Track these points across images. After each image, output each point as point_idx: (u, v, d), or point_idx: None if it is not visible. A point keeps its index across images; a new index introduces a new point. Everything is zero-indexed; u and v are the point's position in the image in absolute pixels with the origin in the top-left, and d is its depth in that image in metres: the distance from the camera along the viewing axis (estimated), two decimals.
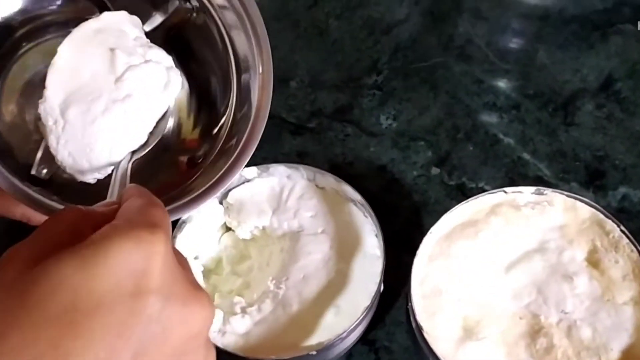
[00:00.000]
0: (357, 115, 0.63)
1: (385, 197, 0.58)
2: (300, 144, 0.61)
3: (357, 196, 0.51)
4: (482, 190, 0.58)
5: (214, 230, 0.52)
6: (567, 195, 0.50)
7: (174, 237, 0.49)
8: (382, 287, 0.48)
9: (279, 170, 0.52)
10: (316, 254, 0.50)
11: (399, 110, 0.63)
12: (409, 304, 0.48)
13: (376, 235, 0.50)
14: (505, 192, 0.51)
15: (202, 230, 0.51)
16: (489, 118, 0.62)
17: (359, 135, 0.62)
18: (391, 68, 0.66)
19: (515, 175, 0.59)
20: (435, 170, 0.60)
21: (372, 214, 0.50)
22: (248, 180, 0.52)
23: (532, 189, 0.51)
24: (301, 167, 0.52)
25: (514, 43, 0.67)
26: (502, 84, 0.64)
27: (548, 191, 0.50)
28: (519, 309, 0.48)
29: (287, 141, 0.61)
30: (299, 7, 0.70)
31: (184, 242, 0.49)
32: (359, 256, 0.50)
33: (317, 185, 0.52)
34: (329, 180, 0.52)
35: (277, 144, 0.61)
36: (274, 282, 0.49)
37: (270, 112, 0.63)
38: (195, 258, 0.50)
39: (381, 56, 0.66)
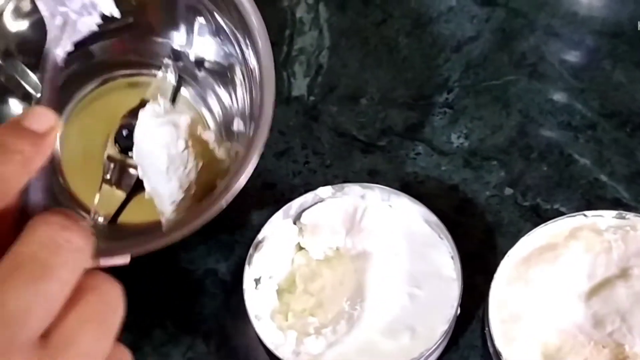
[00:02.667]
0: (428, 133, 0.62)
1: (458, 217, 0.57)
2: (371, 163, 0.61)
3: (432, 217, 0.50)
4: (558, 212, 0.57)
5: (288, 250, 0.52)
6: None
7: (250, 257, 0.49)
8: (458, 311, 0.47)
9: (354, 190, 0.52)
10: (390, 276, 0.50)
11: (471, 128, 0.62)
12: (486, 329, 0.47)
13: (452, 257, 0.49)
14: (585, 215, 0.50)
15: (276, 250, 0.51)
16: (564, 138, 0.61)
17: (430, 153, 0.61)
18: (462, 86, 0.65)
19: (592, 197, 0.58)
20: (508, 191, 0.59)
21: (449, 235, 0.49)
22: (322, 200, 0.52)
23: (614, 212, 0.49)
24: (376, 188, 0.52)
25: (589, 60, 0.66)
26: (577, 103, 0.63)
27: (631, 215, 0.49)
28: (601, 338, 0.46)
29: (358, 159, 0.61)
30: (368, 24, 0.70)
31: (260, 261, 0.50)
32: (434, 278, 0.50)
33: (391, 206, 0.52)
34: (404, 201, 0.51)
35: (348, 162, 0.61)
36: (348, 302, 0.49)
37: (340, 130, 0.63)
38: (270, 277, 0.50)
39: (452, 74, 0.66)
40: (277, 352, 0.46)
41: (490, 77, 0.65)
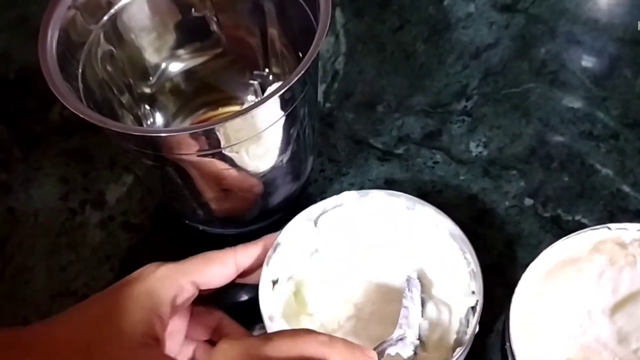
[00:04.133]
0: (446, 141, 0.61)
1: (476, 228, 0.56)
2: (388, 171, 0.60)
3: (456, 230, 0.49)
4: (579, 224, 0.56)
5: (306, 253, 0.51)
6: None
7: (268, 257, 0.48)
8: (477, 328, 0.46)
9: (379, 196, 0.51)
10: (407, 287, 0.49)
11: (490, 137, 0.61)
12: (507, 344, 0.46)
13: (474, 273, 0.48)
14: (609, 228, 0.48)
15: (295, 252, 0.50)
16: (585, 147, 0.59)
17: (448, 162, 0.60)
18: (481, 94, 0.64)
19: (615, 208, 0.56)
20: (528, 201, 0.57)
21: (472, 250, 0.48)
22: (340, 205, 0.51)
23: (639, 225, 0.48)
24: (402, 196, 0.50)
25: (611, 68, 0.64)
26: (599, 111, 0.61)
27: None
28: (626, 355, 0.45)
29: (375, 167, 0.60)
30: (385, 30, 0.69)
31: (278, 262, 0.49)
32: (454, 293, 0.48)
33: (414, 215, 0.51)
34: (428, 211, 0.50)
35: (364, 170, 0.60)
36: (360, 307, 0.48)
37: (356, 137, 0.62)
38: (289, 279, 0.50)
39: (470, 81, 0.64)
40: None
41: (509, 84, 0.64)
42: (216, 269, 0.45)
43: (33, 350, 0.40)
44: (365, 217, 0.51)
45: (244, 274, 0.48)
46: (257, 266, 0.47)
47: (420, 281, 0.49)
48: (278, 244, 0.49)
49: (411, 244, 0.50)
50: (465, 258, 0.48)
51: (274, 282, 0.49)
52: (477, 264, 0.47)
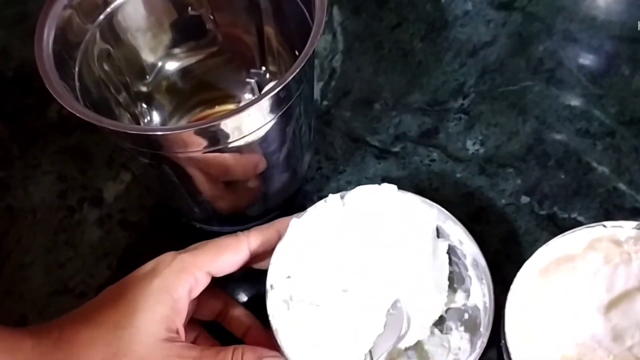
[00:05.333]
0: (443, 139, 0.61)
1: (473, 225, 0.56)
2: (385, 169, 0.60)
3: (482, 261, 0.47)
4: (575, 222, 0.56)
5: (307, 251, 0.50)
6: None
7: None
8: (485, 341, 0.46)
9: (414, 201, 0.49)
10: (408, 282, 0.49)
11: (486, 135, 0.61)
12: (502, 342, 0.46)
13: (488, 296, 0.47)
14: (604, 226, 0.48)
15: (295, 251, 0.50)
16: (582, 145, 0.60)
17: (445, 160, 0.60)
18: (478, 92, 0.64)
19: (611, 206, 0.56)
20: (524, 199, 0.57)
21: (491, 284, 0.47)
22: (370, 202, 0.50)
23: (634, 223, 0.48)
24: (436, 207, 0.49)
25: (607, 66, 0.64)
26: (595, 109, 0.61)
27: None
28: (620, 352, 0.45)
29: (372, 165, 0.60)
30: (383, 28, 0.69)
31: (279, 261, 0.48)
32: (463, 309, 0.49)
33: (441, 228, 0.50)
34: (457, 231, 0.49)
35: (361, 168, 0.60)
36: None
37: (353, 135, 0.62)
38: (288, 277, 0.50)
39: (467, 79, 0.65)
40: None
41: (506, 82, 0.64)
42: (229, 256, 0.46)
43: (60, 352, 0.41)
44: (389, 217, 0.50)
45: (256, 259, 0.48)
46: (270, 251, 0.47)
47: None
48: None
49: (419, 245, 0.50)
50: (479, 284, 0.48)
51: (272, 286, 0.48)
52: (492, 287, 0.46)
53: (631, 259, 0.48)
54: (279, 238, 0.47)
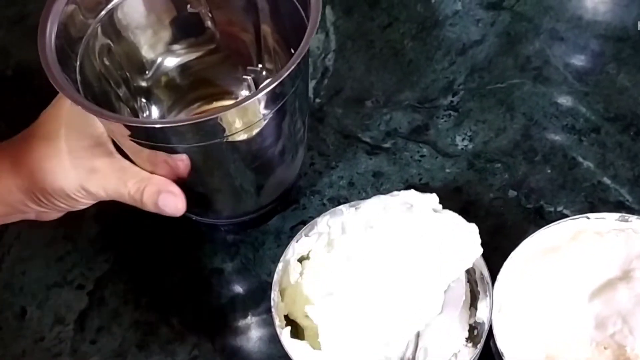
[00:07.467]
0: (433, 135, 0.63)
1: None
2: (376, 164, 0.61)
3: (485, 272, 0.49)
4: (561, 215, 0.57)
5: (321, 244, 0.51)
6: None
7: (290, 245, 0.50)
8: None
9: (410, 194, 0.51)
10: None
11: (475, 131, 0.63)
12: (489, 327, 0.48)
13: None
14: (587, 218, 0.50)
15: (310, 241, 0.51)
16: (568, 141, 0.61)
17: (434, 156, 0.62)
18: (467, 89, 0.65)
19: (596, 200, 0.58)
20: (512, 193, 0.59)
21: (492, 292, 0.48)
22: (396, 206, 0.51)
23: (616, 215, 0.50)
24: (449, 213, 0.50)
25: (593, 64, 0.66)
26: (581, 106, 0.63)
27: (633, 218, 0.49)
28: (603, 339, 0.47)
29: (363, 161, 0.62)
30: (374, 27, 0.70)
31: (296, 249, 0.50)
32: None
33: (454, 238, 0.49)
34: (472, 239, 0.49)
35: (353, 164, 0.62)
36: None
37: (345, 132, 0.64)
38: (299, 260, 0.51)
39: (457, 77, 0.66)
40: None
41: (495, 80, 0.66)
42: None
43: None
44: (400, 218, 0.50)
45: None
46: None
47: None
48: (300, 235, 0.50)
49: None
50: (487, 304, 0.48)
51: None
52: (489, 319, 0.47)
53: (613, 249, 0.49)
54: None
